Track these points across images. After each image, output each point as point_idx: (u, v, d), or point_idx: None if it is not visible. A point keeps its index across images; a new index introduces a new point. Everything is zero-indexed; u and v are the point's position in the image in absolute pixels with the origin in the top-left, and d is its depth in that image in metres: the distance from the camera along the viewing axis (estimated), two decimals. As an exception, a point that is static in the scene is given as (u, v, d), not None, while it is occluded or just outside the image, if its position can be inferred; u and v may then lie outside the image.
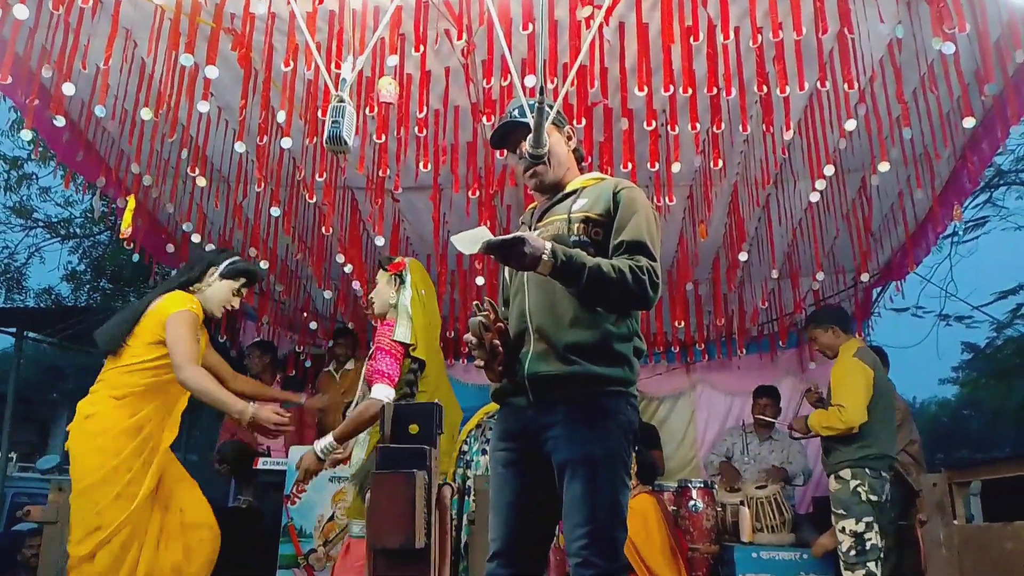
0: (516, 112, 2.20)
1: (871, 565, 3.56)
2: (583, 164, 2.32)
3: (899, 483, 4.67)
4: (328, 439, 2.90)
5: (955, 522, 3.28)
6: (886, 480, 3.75)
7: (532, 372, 1.95)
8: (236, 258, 3.25)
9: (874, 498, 3.65)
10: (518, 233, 1.83)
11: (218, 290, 3.14)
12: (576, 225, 2.03)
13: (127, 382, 2.92)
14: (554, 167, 2.15)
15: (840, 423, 3.72)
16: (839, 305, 5.19)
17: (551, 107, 2.16)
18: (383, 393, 2.82)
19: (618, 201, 2.04)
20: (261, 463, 4.48)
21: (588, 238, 2.01)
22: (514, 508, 1.99)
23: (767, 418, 5.13)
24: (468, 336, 1.94)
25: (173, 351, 2.88)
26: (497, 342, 1.94)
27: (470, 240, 1.81)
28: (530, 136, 2.00)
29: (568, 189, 2.16)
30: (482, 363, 1.96)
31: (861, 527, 3.60)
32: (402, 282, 3.07)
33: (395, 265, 3.12)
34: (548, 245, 1.82)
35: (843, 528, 3.64)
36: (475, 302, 1.95)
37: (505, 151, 2.31)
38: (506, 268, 2.22)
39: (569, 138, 2.25)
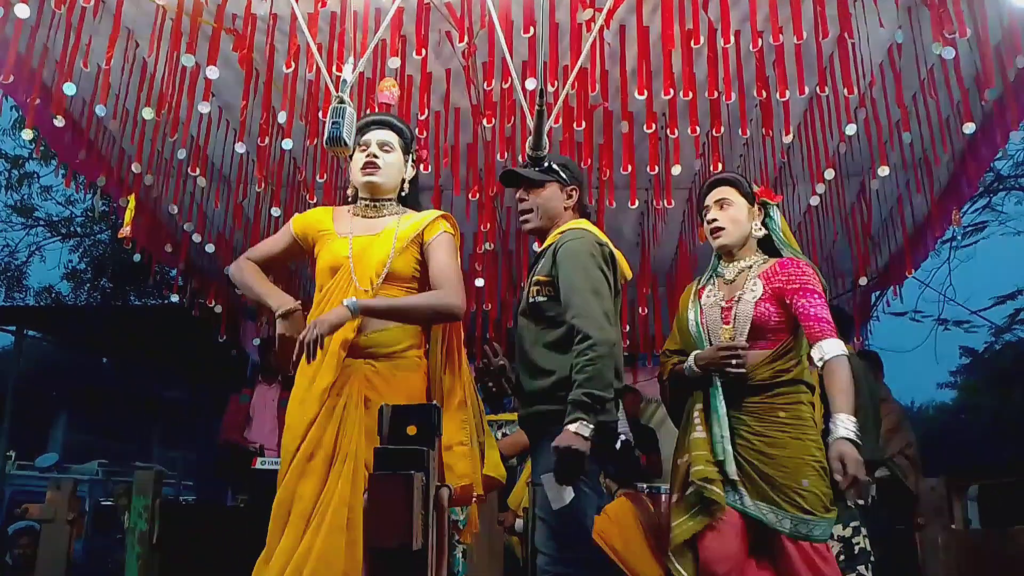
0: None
1: (861, 568, 3.56)
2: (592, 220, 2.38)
3: (896, 487, 4.67)
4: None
5: (953, 526, 3.29)
6: (871, 484, 3.77)
7: None
8: None
9: (860, 502, 3.66)
10: (558, 446, 1.94)
11: None
12: (533, 288, 2.22)
13: None
14: (540, 217, 2.27)
15: None
16: (841, 309, 5.18)
17: (561, 164, 2.27)
18: (840, 348, 2.05)
19: (557, 261, 2.16)
20: (259, 463, 4.48)
21: (544, 297, 2.18)
22: None
23: None
24: None
25: None
26: (491, 384, 2.27)
27: (558, 494, 2.01)
28: (530, 138, 2.01)
29: (544, 246, 2.28)
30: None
31: (849, 532, 3.61)
32: (768, 215, 2.32)
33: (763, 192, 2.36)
34: (575, 429, 1.93)
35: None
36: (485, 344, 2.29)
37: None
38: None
39: (569, 196, 2.29)
